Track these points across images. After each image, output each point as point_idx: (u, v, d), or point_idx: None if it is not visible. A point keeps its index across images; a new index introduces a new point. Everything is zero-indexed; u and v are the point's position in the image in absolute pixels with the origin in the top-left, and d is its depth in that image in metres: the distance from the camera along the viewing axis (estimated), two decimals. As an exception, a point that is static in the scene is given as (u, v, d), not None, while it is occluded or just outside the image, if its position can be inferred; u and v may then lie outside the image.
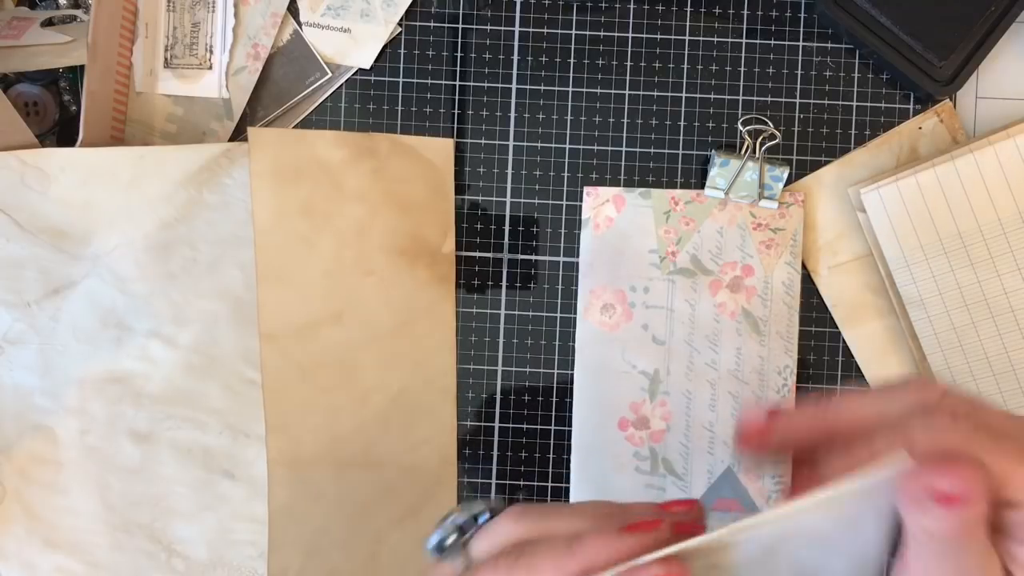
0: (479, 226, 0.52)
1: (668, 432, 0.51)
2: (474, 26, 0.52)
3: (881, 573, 0.29)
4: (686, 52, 0.52)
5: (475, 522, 0.32)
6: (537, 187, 0.52)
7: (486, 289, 0.52)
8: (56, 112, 0.51)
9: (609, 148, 0.52)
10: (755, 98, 0.52)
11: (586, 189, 0.51)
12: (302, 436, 0.50)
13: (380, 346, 0.50)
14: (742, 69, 0.52)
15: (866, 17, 0.49)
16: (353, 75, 0.52)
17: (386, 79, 0.52)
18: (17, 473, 0.50)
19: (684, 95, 0.52)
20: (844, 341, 0.51)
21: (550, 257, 0.52)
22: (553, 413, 0.52)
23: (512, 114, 0.52)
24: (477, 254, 0.52)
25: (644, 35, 0.52)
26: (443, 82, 0.52)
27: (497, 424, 0.52)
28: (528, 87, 0.52)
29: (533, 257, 0.52)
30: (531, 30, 0.52)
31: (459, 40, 0.52)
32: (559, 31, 0.52)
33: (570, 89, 0.52)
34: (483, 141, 0.52)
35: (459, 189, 0.52)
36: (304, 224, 0.50)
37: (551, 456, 0.52)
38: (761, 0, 0.52)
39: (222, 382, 0.50)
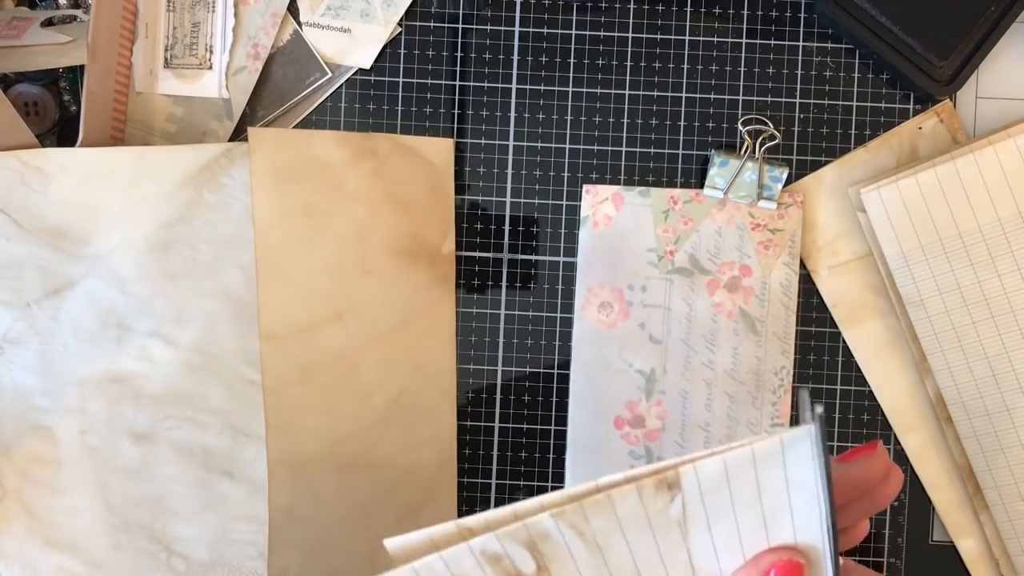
0: (479, 226, 0.52)
1: (663, 431, 0.51)
2: (474, 26, 0.52)
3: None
4: (686, 52, 0.52)
5: None
6: (537, 187, 0.52)
7: (486, 289, 0.52)
8: (56, 112, 0.51)
9: (609, 148, 0.52)
10: (755, 98, 0.52)
11: (585, 187, 0.51)
12: (302, 436, 0.50)
13: (380, 346, 0.50)
14: (742, 69, 0.52)
15: (866, 17, 0.49)
16: (353, 75, 0.52)
17: (386, 79, 0.52)
18: (17, 473, 0.50)
19: (684, 95, 0.52)
20: (844, 341, 0.51)
21: (550, 257, 0.52)
22: (553, 413, 0.52)
23: (512, 114, 0.52)
24: (477, 254, 0.52)
25: (644, 35, 0.52)
26: (443, 82, 0.52)
27: (497, 424, 0.52)
28: (528, 87, 0.52)
29: (533, 257, 0.52)
30: (531, 30, 0.52)
31: (459, 40, 0.52)
32: (559, 31, 0.52)
33: (570, 89, 0.52)
34: (483, 141, 0.52)
35: (459, 189, 0.52)
36: (304, 224, 0.50)
37: (551, 456, 0.52)
38: (761, 0, 0.51)
39: (222, 382, 0.50)
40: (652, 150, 0.52)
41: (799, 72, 0.52)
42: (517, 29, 0.52)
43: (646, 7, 0.52)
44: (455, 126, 0.52)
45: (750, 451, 0.32)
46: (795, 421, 0.51)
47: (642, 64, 0.52)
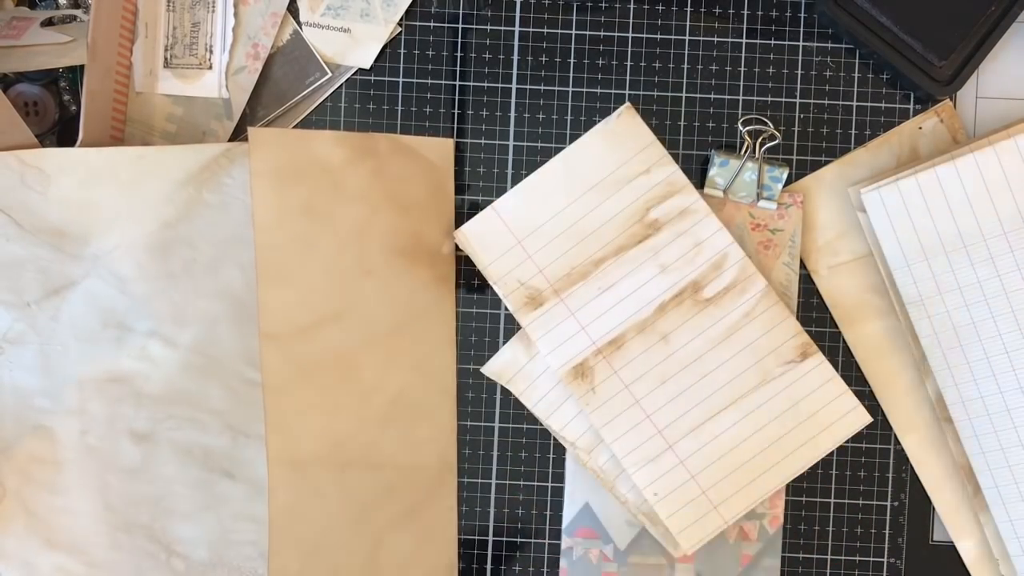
0: (479, 226, 0.52)
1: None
2: (474, 26, 0.52)
3: None
4: (686, 52, 0.52)
5: None
6: (537, 187, 0.52)
7: (486, 289, 0.52)
8: (56, 112, 0.51)
9: (609, 148, 0.52)
10: (755, 98, 0.52)
11: (586, 189, 0.51)
12: (302, 436, 0.50)
13: (380, 346, 0.50)
14: (742, 69, 0.52)
15: (866, 17, 0.49)
16: (353, 75, 0.52)
17: (386, 79, 0.52)
18: (17, 473, 0.50)
19: (684, 95, 0.52)
20: (844, 341, 0.51)
21: (550, 257, 0.52)
22: (553, 413, 0.52)
23: (512, 114, 0.52)
24: (477, 254, 0.52)
25: (644, 35, 0.52)
26: (443, 82, 0.52)
27: (497, 424, 0.52)
28: (528, 87, 0.52)
29: (533, 257, 0.52)
30: (531, 30, 0.52)
31: (459, 40, 0.52)
32: (559, 31, 0.52)
33: (570, 89, 0.52)
34: (483, 141, 0.52)
35: (459, 189, 0.52)
36: (304, 224, 0.50)
37: (551, 456, 0.52)
38: (761, 0, 0.51)
39: (222, 382, 0.50)
40: (652, 150, 0.52)
41: (799, 72, 0.52)
42: (517, 29, 0.52)
43: (646, 7, 0.52)
44: (455, 126, 0.52)
45: None
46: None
47: (642, 64, 0.52)
